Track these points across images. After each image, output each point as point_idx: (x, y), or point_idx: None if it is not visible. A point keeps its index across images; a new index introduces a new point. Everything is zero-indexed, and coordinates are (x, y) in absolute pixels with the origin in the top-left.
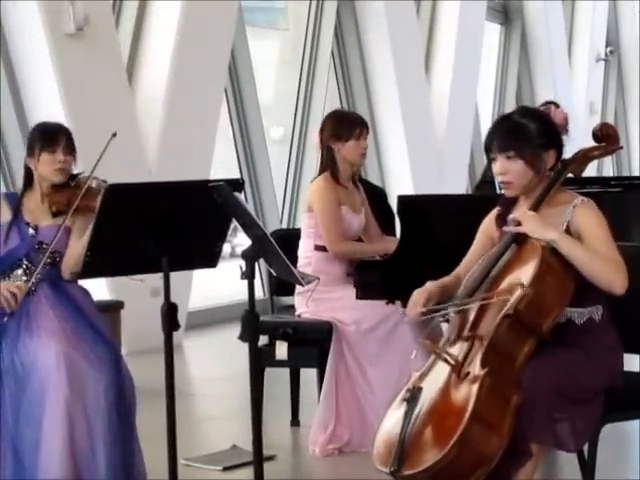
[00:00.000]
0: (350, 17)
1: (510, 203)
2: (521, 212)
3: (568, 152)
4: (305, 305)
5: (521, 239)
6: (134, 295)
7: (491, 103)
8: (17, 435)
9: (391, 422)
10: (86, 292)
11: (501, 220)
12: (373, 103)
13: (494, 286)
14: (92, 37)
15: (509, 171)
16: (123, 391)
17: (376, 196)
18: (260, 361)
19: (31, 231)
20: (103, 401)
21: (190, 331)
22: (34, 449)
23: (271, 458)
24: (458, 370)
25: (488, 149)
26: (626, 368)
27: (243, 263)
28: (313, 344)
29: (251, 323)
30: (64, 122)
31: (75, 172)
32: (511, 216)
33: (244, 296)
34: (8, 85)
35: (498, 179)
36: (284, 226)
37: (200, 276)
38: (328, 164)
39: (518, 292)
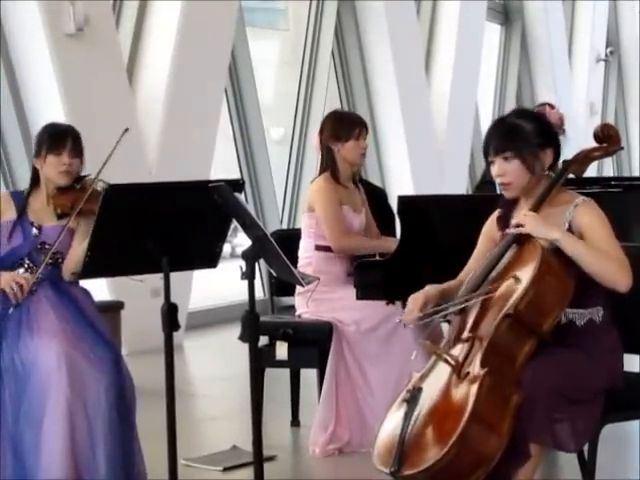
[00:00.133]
0: (350, 17)
1: (511, 204)
2: (521, 215)
3: (567, 153)
4: (305, 305)
5: (522, 239)
6: (134, 295)
7: (491, 103)
8: (17, 435)
9: (391, 423)
10: (87, 293)
11: (502, 222)
12: (373, 103)
13: (494, 286)
14: (92, 37)
15: (507, 172)
16: (123, 391)
17: (376, 196)
18: (260, 361)
19: (34, 231)
20: (104, 401)
21: (190, 331)
22: (34, 449)
23: (271, 458)
24: (458, 370)
25: (486, 153)
26: (626, 368)
27: (243, 263)
28: (313, 344)
29: (251, 323)
30: (64, 122)
31: (82, 174)
32: (513, 222)
33: (244, 296)
34: (8, 85)
35: (497, 180)
36: (284, 226)
37: (200, 276)
38: (328, 164)
39: (518, 290)
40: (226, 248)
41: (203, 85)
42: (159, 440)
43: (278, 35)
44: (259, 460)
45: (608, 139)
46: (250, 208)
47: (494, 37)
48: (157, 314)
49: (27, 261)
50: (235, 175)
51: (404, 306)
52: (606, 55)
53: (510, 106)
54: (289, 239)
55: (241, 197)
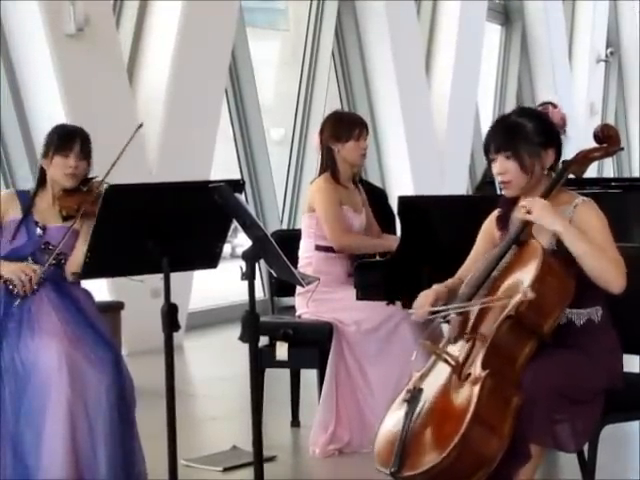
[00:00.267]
0: (350, 18)
1: (511, 204)
2: (531, 199)
3: (567, 153)
4: (306, 306)
5: (522, 239)
6: (134, 296)
7: (492, 104)
8: (17, 435)
9: (391, 423)
10: (88, 294)
11: (502, 221)
12: (374, 104)
13: (495, 287)
14: (92, 37)
15: (508, 171)
16: (124, 391)
17: (376, 197)
18: (260, 362)
19: (39, 231)
20: (104, 402)
21: (190, 332)
22: (35, 449)
23: (271, 459)
24: (459, 371)
25: (487, 151)
26: (626, 369)
27: (243, 264)
28: (313, 345)
29: (251, 324)
30: (64, 122)
31: (90, 176)
32: (522, 203)
33: (244, 297)
34: (8, 85)
35: (497, 179)
36: (284, 227)
37: (200, 277)
38: (328, 165)
39: (519, 296)
40: (226, 248)
41: (203, 85)
42: (159, 440)
43: (278, 35)
44: (259, 460)
45: (608, 139)
46: (250, 208)
47: (494, 37)
48: (157, 314)
49: (30, 261)
50: (235, 175)
51: (404, 306)
52: (606, 55)
53: (510, 106)
54: (289, 239)
55: (241, 197)
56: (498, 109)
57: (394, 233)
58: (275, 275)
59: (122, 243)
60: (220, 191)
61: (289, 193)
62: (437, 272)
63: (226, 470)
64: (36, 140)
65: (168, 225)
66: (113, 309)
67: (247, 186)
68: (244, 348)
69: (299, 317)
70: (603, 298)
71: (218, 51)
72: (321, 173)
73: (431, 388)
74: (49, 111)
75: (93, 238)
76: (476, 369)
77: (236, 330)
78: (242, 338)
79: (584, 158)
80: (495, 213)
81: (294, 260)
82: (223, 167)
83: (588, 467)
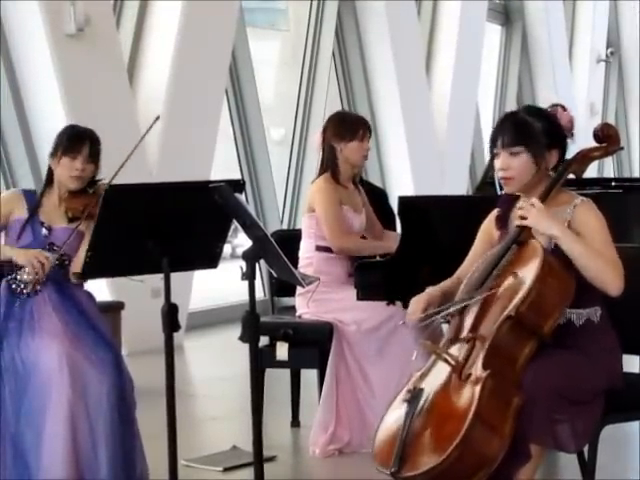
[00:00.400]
0: (351, 18)
1: (510, 203)
2: (528, 202)
3: (569, 153)
4: (306, 306)
5: (522, 240)
6: (135, 296)
7: (492, 104)
8: (17, 435)
9: (391, 423)
10: (90, 296)
11: (501, 221)
12: (374, 104)
13: (495, 287)
14: (93, 37)
15: (511, 167)
16: (124, 392)
17: (377, 197)
18: (261, 362)
19: (44, 231)
20: (105, 402)
21: (191, 332)
22: (35, 449)
23: (271, 459)
24: (459, 371)
25: (493, 144)
26: (626, 369)
27: (244, 264)
28: (314, 345)
29: (252, 324)
30: (65, 122)
31: (97, 178)
32: (518, 213)
33: (245, 297)
34: (9, 85)
35: (499, 174)
36: (284, 227)
37: (201, 277)
38: (329, 164)
39: (520, 292)
40: (226, 248)
41: (204, 85)
42: (159, 440)
43: (279, 35)
44: (259, 460)
45: (608, 139)
46: (250, 208)
47: (495, 38)
48: (157, 314)
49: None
50: (235, 173)
51: (405, 307)
52: (607, 56)
53: (511, 107)
54: (289, 240)
55: (241, 197)
56: (498, 109)
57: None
58: (275, 275)
59: (122, 243)
60: (220, 191)
61: (289, 193)
62: (437, 272)
63: (226, 470)
64: (36, 140)
65: (168, 225)
66: (113, 309)
67: (247, 186)
68: (244, 348)
69: (299, 317)
70: (602, 298)
71: (218, 51)
72: (321, 172)
73: (431, 388)
74: (49, 111)
75: (93, 238)
76: (477, 369)
77: (236, 330)
78: (242, 338)
79: (584, 157)
80: (494, 213)
81: (294, 260)
82: (223, 165)
83: (588, 467)
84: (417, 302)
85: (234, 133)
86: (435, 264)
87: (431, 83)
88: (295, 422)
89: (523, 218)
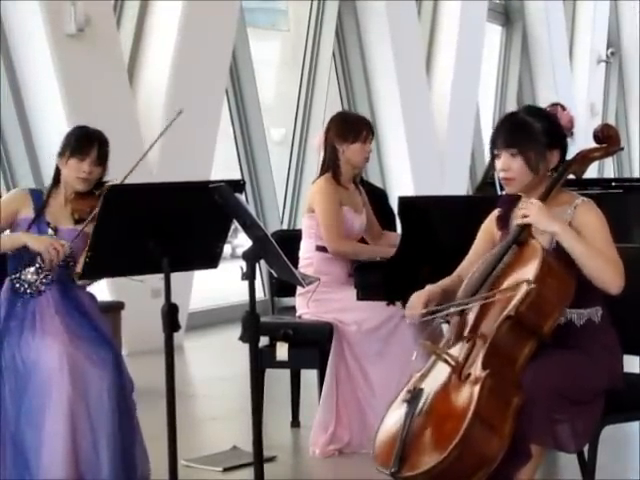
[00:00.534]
0: (351, 18)
1: (511, 204)
2: (528, 202)
3: (570, 153)
4: (306, 306)
5: (522, 239)
6: (135, 296)
7: (492, 104)
8: (18, 434)
9: (391, 423)
10: (93, 297)
11: (502, 221)
12: (374, 104)
13: (495, 287)
14: (93, 37)
15: (511, 168)
16: (124, 391)
17: (377, 197)
18: (261, 362)
19: (50, 232)
20: (107, 402)
21: (191, 332)
22: (35, 449)
23: (271, 459)
24: (459, 371)
25: (493, 145)
26: (626, 370)
27: (244, 264)
28: (314, 345)
29: (252, 324)
30: (65, 122)
31: (104, 180)
32: (519, 212)
33: (245, 297)
34: (9, 85)
35: (500, 175)
36: (285, 227)
37: (201, 277)
38: (330, 165)
39: (523, 290)
40: (227, 249)
41: (204, 85)
42: (159, 440)
43: (279, 35)
44: (259, 461)
45: (608, 139)
46: (251, 208)
47: (495, 38)
48: (157, 314)
49: (39, 261)
50: (236, 173)
51: (404, 307)
52: (607, 56)
53: (511, 107)
54: (290, 240)
55: (242, 197)
56: (499, 109)
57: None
58: (275, 275)
59: (122, 243)
60: (220, 191)
61: (289, 193)
62: (437, 272)
63: (226, 470)
64: (36, 140)
65: (168, 225)
66: (113, 309)
67: (247, 186)
68: (244, 348)
69: (299, 317)
70: (603, 298)
71: (219, 51)
72: (322, 172)
73: (431, 388)
74: (50, 111)
75: (94, 238)
76: (476, 369)
77: (236, 330)
78: (242, 338)
79: (584, 158)
80: (495, 213)
81: (294, 260)
82: (224, 165)
83: (588, 467)
84: (417, 298)
85: (234, 133)
86: (435, 264)
87: (431, 83)
88: (295, 422)
89: (524, 217)
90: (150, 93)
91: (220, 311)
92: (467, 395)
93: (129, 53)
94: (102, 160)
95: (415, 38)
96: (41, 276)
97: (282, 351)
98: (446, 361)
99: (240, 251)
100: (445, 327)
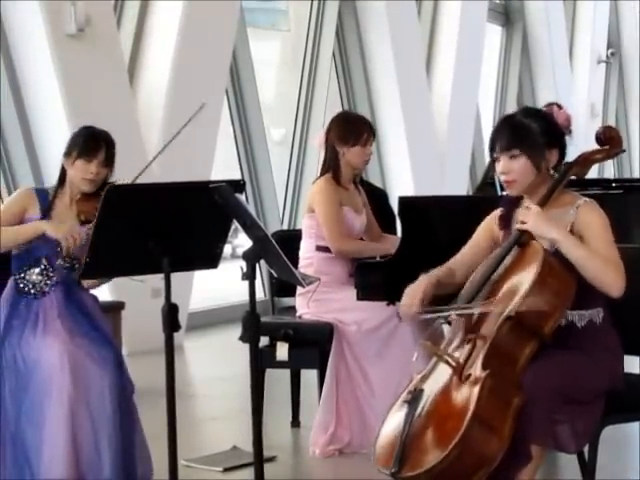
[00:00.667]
0: (351, 18)
1: (513, 204)
2: (525, 210)
3: (570, 154)
4: (306, 306)
5: (523, 241)
6: (135, 296)
7: (492, 105)
8: (18, 434)
9: (392, 423)
10: (95, 298)
11: (504, 221)
12: (374, 104)
13: (496, 289)
14: (93, 37)
15: (512, 170)
16: (125, 392)
17: (377, 197)
18: (261, 362)
19: None
20: (108, 401)
21: (191, 332)
22: (36, 448)
23: (271, 459)
24: (459, 372)
25: (492, 149)
26: (626, 370)
27: (244, 264)
28: (314, 345)
29: (252, 324)
30: (65, 122)
31: (109, 181)
32: (519, 218)
33: (245, 297)
34: (9, 85)
35: (501, 178)
36: (285, 227)
37: (201, 277)
38: (330, 165)
39: (520, 293)
40: (227, 249)
41: (204, 86)
42: (159, 440)
43: (279, 35)
44: (259, 461)
45: (610, 141)
46: (251, 209)
47: (495, 38)
48: (158, 314)
49: (44, 262)
50: (236, 172)
51: None
52: (607, 56)
53: (511, 107)
54: (290, 240)
55: (242, 198)
56: (499, 110)
57: (394, 234)
58: (276, 275)
59: (123, 243)
60: (221, 191)
61: (290, 193)
62: None
63: (226, 470)
64: (36, 140)
65: (169, 225)
66: (113, 309)
67: (247, 186)
68: (244, 348)
69: (299, 317)
70: (604, 299)
71: (219, 51)
72: (323, 173)
73: (432, 389)
74: (50, 111)
75: (94, 238)
76: (476, 370)
77: (236, 330)
78: (242, 338)
79: (586, 160)
80: (497, 212)
81: (294, 260)
82: (224, 165)
83: (588, 468)
84: (413, 294)
85: (234, 133)
86: (435, 264)
87: (431, 84)
88: (295, 422)
89: (522, 223)
90: (150, 93)
91: (220, 311)
92: (467, 395)
93: (129, 53)
94: (109, 162)
95: (415, 38)
96: (46, 277)
97: (282, 351)
98: (447, 362)
99: (240, 251)
100: (446, 328)
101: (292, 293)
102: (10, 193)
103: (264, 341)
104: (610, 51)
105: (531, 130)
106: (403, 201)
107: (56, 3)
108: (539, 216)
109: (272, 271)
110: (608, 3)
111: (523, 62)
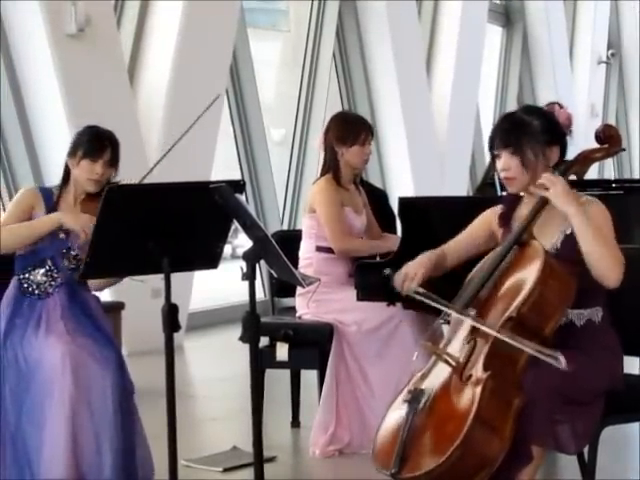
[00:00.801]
0: (352, 18)
1: (514, 202)
2: (550, 176)
3: (570, 154)
4: (306, 306)
5: (523, 241)
6: (135, 296)
7: (492, 105)
8: (18, 434)
9: (392, 424)
10: (98, 299)
11: (504, 219)
12: (374, 104)
13: (496, 288)
14: (93, 38)
15: (512, 167)
16: (126, 393)
17: (377, 198)
18: (261, 362)
19: (62, 235)
20: (109, 400)
21: (191, 332)
22: (37, 448)
23: (271, 459)
24: (459, 372)
25: (492, 146)
26: (626, 370)
27: (244, 264)
28: (314, 345)
29: (252, 324)
30: (65, 122)
31: (113, 181)
32: (540, 181)
33: (245, 297)
34: (9, 85)
35: (501, 175)
36: (285, 227)
37: (201, 277)
38: (330, 166)
39: (521, 293)
40: (227, 249)
41: (204, 86)
42: (159, 441)
43: (279, 36)
44: (259, 461)
45: (609, 140)
46: (251, 209)
47: (495, 39)
48: (158, 315)
49: (49, 263)
50: (236, 172)
51: (405, 307)
52: (607, 57)
53: (511, 107)
54: (290, 240)
55: (242, 198)
56: (499, 110)
57: (394, 234)
58: (276, 276)
59: (123, 243)
60: (221, 191)
61: (290, 194)
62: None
63: (226, 470)
64: (36, 139)
65: (169, 225)
66: (113, 309)
67: (247, 186)
68: (244, 349)
69: (299, 318)
70: (603, 299)
71: (219, 52)
72: (323, 173)
73: (432, 389)
74: (50, 111)
75: (94, 238)
76: (477, 370)
77: (236, 331)
78: (242, 339)
79: (586, 159)
80: (497, 209)
81: (294, 261)
82: (224, 165)
83: (588, 468)
84: (414, 269)
85: (234, 133)
86: None
87: (431, 84)
88: (295, 422)
89: (545, 188)
90: (150, 93)
91: (220, 311)
92: (468, 396)
93: (129, 53)
94: (114, 162)
95: (415, 38)
96: (50, 278)
97: (282, 351)
98: (447, 362)
99: (240, 251)
100: (446, 328)
101: (292, 293)
102: (10, 193)
103: (264, 341)
104: (610, 52)
105: (532, 127)
106: (403, 202)
107: (56, 3)
108: (564, 187)
109: (272, 271)
110: (608, 3)
111: (523, 62)
